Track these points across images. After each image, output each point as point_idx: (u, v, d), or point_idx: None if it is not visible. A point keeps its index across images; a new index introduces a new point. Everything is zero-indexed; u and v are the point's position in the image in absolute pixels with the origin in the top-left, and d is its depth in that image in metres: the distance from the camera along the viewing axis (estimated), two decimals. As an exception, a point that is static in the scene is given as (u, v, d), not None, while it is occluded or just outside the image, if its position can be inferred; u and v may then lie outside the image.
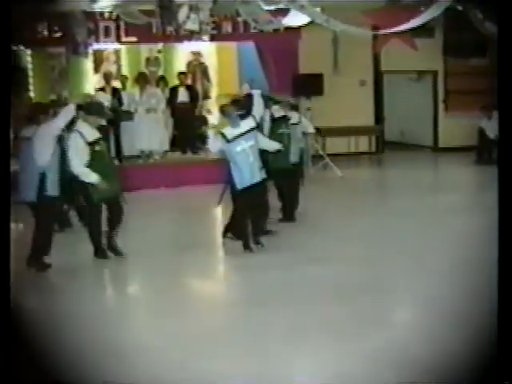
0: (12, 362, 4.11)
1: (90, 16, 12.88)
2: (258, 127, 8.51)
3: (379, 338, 5.42)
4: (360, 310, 6.09)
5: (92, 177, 7.64)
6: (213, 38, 13.07)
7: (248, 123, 8.11)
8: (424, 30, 12.45)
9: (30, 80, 14.52)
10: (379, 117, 18.36)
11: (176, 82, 14.80)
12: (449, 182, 13.76)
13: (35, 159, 7.45)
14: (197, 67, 15.49)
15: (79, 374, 4.86)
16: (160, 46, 14.91)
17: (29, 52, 14.67)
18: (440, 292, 6.51)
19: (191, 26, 11.13)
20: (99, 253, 8.08)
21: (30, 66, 14.82)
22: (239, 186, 8.03)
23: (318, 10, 10.68)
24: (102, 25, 13.38)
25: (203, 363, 5.04)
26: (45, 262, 7.70)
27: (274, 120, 9.66)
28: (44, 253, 7.72)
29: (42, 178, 7.46)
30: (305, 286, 6.93)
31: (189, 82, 15.00)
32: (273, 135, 9.36)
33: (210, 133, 8.20)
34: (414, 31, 10.43)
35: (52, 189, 7.54)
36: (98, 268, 8.13)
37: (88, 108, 7.87)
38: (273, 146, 8.68)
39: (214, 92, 15.86)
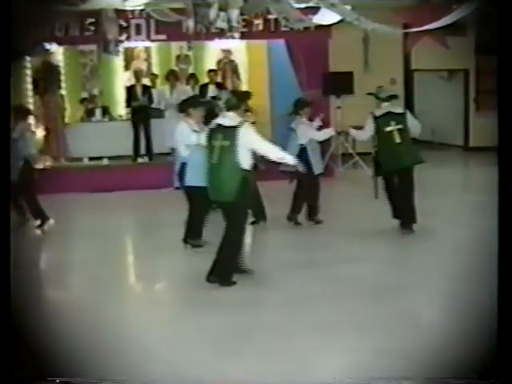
0: (12, 362, 4.09)
1: (122, 14, 12.95)
2: None
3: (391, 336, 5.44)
4: (385, 308, 6.10)
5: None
6: (243, 36, 13.07)
7: None
8: (455, 29, 12.33)
9: (62, 78, 14.62)
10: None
11: (206, 79, 14.87)
12: (479, 181, 13.63)
13: None
14: (227, 65, 15.54)
15: (90, 372, 4.85)
16: (191, 43, 14.99)
17: (61, 50, 14.85)
18: (462, 292, 6.49)
19: (221, 24, 11.17)
20: None
21: (62, 63, 14.99)
22: None
23: (349, 8, 10.66)
24: (133, 23, 13.41)
25: (232, 361, 5.04)
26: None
27: None
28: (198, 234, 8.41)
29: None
30: (335, 284, 6.90)
31: (219, 79, 15.04)
32: None
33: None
34: (445, 29, 10.33)
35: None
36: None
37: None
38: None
39: (243, 90, 15.87)
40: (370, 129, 9.20)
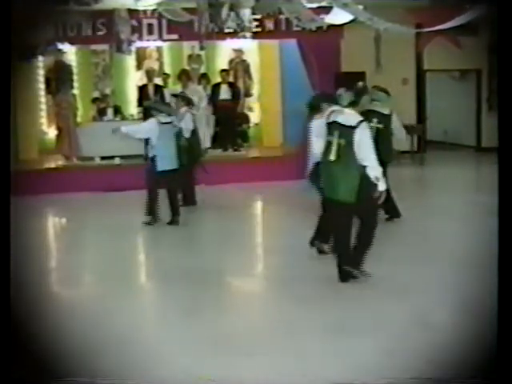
0: (12, 362, 4.07)
1: (134, 14, 12.98)
2: None
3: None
4: (385, 309, 6.11)
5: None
6: (255, 36, 13.07)
7: None
8: (467, 29, 12.27)
9: (75, 77, 14.67)
10: (421, 116, 18.21)
11: (218, 79, 14.91)
12: (491, 182, 13.58)
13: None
14: (239, 65, 15.55)
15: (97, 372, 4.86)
16: (203, 43, 15.01)
17: (73, 49, 14.91)
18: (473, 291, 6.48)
19: (233, 23, 11.18)
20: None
21: (74, 63, 15.05)
22: None
23: (361, 7, 10.64)
24: (145, 22, 13.43)
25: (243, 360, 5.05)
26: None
27: None
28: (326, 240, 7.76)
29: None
30: (349, 283, 6.89)
31: (231, 79, 15.08)
32: None
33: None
34: (458, 29, 10.30)
35: None
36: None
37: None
38: None
39: (255, 89, 15.90)
40: None
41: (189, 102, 10.93)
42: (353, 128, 6.57)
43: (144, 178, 9.91)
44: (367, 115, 8.71)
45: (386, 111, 9.59)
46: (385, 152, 8.82)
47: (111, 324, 5.91)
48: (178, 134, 10.22)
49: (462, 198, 11.42)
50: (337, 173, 6.68)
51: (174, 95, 11.37)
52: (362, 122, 6.62)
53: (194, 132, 10.92)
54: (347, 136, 6.58)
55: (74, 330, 5.73)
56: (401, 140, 9.93)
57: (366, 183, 6.55)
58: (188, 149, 10.49)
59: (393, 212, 9.74)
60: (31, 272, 7.56)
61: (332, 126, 6.76)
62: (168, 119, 9.91)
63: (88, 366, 4.98)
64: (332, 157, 6.69)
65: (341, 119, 6.71)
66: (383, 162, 8.39)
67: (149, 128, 9.87)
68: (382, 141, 8.94)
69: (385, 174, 7.81)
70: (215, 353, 5.21)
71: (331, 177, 6.76)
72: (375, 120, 9.33)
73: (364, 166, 6.54)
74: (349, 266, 6.81)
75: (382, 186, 6.56)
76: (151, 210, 9.99)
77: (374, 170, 6.55)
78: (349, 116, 6.72)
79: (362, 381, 4.67)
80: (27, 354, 4.90)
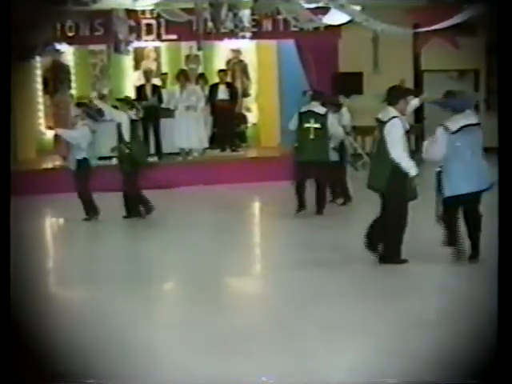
0: (13, 363, 4.06)
1: (132, 14, 12.99)
2: None
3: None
4: (384, 309, 6.11)
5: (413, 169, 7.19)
6: (253, 36, 13.10)
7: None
8: (465, 29, 12.32)
9: (72, 77, 14.67)
10: (419, 116, 18.22)
11: (216, 79, 14.90)
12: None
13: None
14: (236, 65, 15.56)
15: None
16: (201, 43, 15.02)
17: (71, 50, 14.90)
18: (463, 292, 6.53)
19: (231, 24, 11.21)
20: None
21: (72, 63, 15.04)
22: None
23: (358, 8, 10.68)
24: (143, 22, 13.45)
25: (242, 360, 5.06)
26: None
27: None
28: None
29: None
30: (343, 284, 6.95)
31: (228, 79, 15.06)
32: None
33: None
34: (456, 30, 10.34)
35: None
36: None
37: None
38: None
39: (253, 90, 15.91)
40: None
41: (90, 115, 10.49)
42: (384, 123, 7.13)
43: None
44: (305, 116, 10.06)
45: (322, 111, 10.15)
46: (322, 150, 10.10)
47: (111, 324, 5.89)
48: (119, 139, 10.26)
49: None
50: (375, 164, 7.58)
51: (79, 104, 11.00)
52: (393, 118, 7.13)
53: (135, 139, 10.46)
54: (380, 131, 7.21)
55: (74, 330, 5.71)
56: (338, 137, 10.56)
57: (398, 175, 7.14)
58: (128, 155, 10.21)
59: (346, 197, 11.00)
60: (31, 272, 7.53)
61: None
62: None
63: (88, 366, 4.96)
64: (374, 149, 7.57)
65: (380, 115, 7.31)
66: (320, 160, 9.97)
67: (80, 135, 10.09)
68: (319, 140, 10.04)
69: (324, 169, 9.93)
70: (215, 352, 5.20)
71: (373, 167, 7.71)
72: (312, 120, 10.07)
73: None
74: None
75: (413, 171, 7.16)
76: (89, 209, 10.22)
77: (405, 162, 7.17)
78: (386, 113, 7.24)
79: (361, 382, 4.67)
80: (27, 354, 4.88)
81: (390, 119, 7.11)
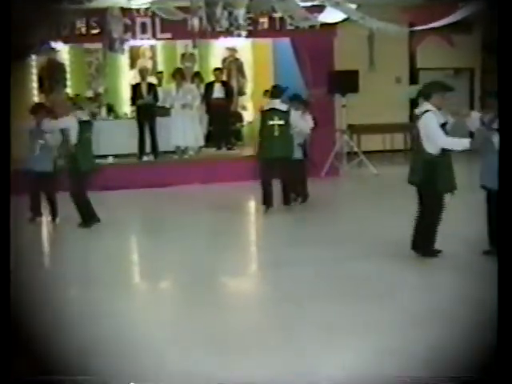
0: (12, 362, 4.06)
1: (127, 12, 12.97)
2: None
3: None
4: (383, 309, 6.13)
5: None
6: (248, 35, 13.09)
7: None
8: (461, 27, 12.35)
9: (68, 76, 14.68)
10: (414, 114, 18.29)
11: (211, 78, 14.94)
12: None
13: None
14: (232, 63, 15.55)
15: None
16: (197, 42, 15.01)
17: (67, 48, 14.90)
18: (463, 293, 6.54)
19: (227, 22, 11.20)
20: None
21: (67, 62, 15.05)
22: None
23: (354, 6, 10.68)
24: (138, 21, 13.42)
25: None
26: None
27: None
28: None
29: None
30: (340, 282, 6.96)
31: (224, 78, 15.08)
32: None
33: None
34: (451, 28, 10.36)
35: None
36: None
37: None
38: None
39: (249, 88, 15.92)
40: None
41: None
42: (419, 117, 7.41)
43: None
44: (268, 113, 10.31)
45: (284, 108, 10.37)
46: (288, 145, 10.39)
47: (110, 324, 5.90)
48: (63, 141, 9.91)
49: (454, 195, 11.42)
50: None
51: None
52: (426, 111, 7.32)
53: (82, 143, 9.76)
54: (416, 126, 7.52)
55: (74, 330, 5.72)
56: (304, 131, 10.83)
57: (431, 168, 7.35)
58: (72, 160, 9.70)
59: (303, 196, 11.13)
60: (31, 272, 7.54)
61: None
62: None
63: (88, 366, 4.98)
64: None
65: (417, 110, 7.59)
66: (286, 157, 10.28)
67: (70, 123, 9.75)
68: (283, 135, 10.30)
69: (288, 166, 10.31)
70: (214, 352, 5.22)
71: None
72: (276, 117, 10.29)
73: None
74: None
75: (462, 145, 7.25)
76: (33, 207, 10.22)
77: (443, 141, 7.27)
78: (420, 107, 7.51)
79: (360, 381, 4.68)
80: (27, 354, 4.88)
81: (423, 113, 7.34)
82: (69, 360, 5.07)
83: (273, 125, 10.28)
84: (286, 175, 10.60)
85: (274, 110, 10.33)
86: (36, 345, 5.30)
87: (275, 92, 10.61)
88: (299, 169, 10.85)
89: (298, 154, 10.71)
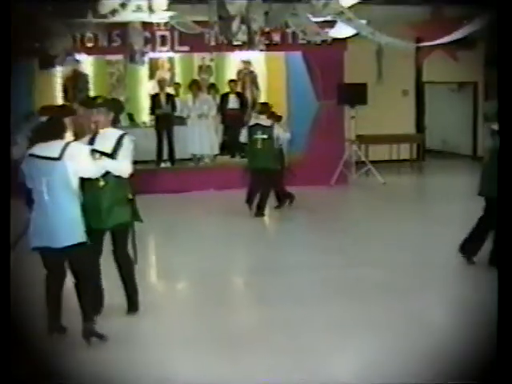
0: (12, 362, 4.07)
1: (147, 26, 13.46)
2: None
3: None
4: (383, 310, 6.28)
5: None
6: (263, 48, 13.48)
7: None
8: (465, 43, 12.74)
9: (91, 86, 15.17)
10: (420, 126, 18.72)
11: (226, 89, 15.37)
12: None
13: None
14: (246, 75, 15.89)
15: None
16: (213, 54, 15.42)
17: (90, 60, 15.46)
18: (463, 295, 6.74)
19: (243, 36, 11.66)
20: None
21: (90, 72, 15.57)
22: None
23: (364, 22, 11.12)
24: (158, 34, 13.88)
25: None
26: None
27: None
28: None
29: None
30: (347, 287, 7.11)
31: (239, 89, 15.49)
32: None
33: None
34: (456, 44, 10.73)
35: None
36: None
37: None
38: None
39: (262, 99, 16.34)
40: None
41: None
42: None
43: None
44: (254, 128, 11.09)
45: (268, 123, 11.21)
46: (269, 158, 11.06)
47: (111, 324, 5.85)
48: None
49: (459, 204, 11.54)
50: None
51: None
52: None
53: None
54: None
55: (74, 330, 5.60)
56: (286, 139, 11.78)
57: None
58: None
59: (281, 202, 11.74)
60: (31, 272, 7.14)
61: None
62: None
63: (88, 366, 5.00)
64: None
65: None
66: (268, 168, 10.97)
67: None
68: (268, 149, 11.08)
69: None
70: (217, 352, 5.29)
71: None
72: (259, 132, 11.14)
73: None
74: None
75: None
76: None
77: None
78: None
79: (362, 382, 4.77)
80: (27, 354, 4.89)
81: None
82: (69, 361, 5.07)
83: (257, 138, 11.12)
84: (266, 183, 11.20)
85: (258, 126, 11.20)
86: (36, 345, 5.32)
87: (263, 108, 11.54)
88: (278, 177, 11.52)
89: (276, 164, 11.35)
